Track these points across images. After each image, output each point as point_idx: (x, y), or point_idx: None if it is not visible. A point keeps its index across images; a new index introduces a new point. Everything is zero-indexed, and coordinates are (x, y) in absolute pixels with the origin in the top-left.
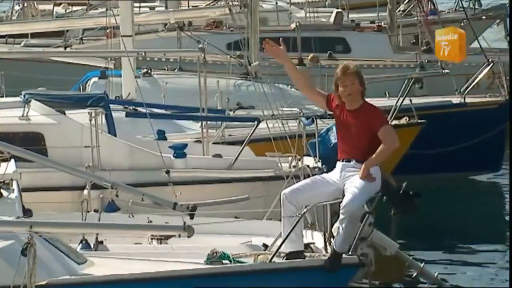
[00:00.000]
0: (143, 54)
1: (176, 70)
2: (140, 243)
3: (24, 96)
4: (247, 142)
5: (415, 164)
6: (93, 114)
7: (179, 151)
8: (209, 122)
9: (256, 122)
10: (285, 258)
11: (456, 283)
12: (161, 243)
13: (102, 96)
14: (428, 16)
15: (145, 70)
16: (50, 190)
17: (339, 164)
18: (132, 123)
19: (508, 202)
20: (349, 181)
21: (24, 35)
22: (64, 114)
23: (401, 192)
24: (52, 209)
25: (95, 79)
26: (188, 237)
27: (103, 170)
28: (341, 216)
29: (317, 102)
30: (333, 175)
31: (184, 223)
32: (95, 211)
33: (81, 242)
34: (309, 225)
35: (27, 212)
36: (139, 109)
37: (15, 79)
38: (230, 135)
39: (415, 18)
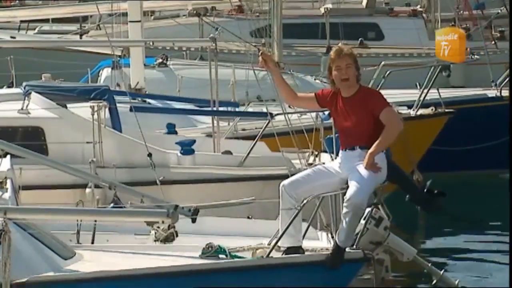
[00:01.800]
0: (151, 44)
1: (197, 60)
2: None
3: (25, 87)
4: (258, 139)
5: (445, 160)
6: (95, 108)
7: (187, 147)
8: None
9: (268, 118)
10: (283, 253)
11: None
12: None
13: (106, 88)
14: (474, 10)
15: (160, 60)
16: (52, 188)
17: (342, 154)
18: (139, 116)
19: None
20: (353, 171)
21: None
22: (66, 107)
23: (425, 190)
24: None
25: (107, 69)
26: (172, 223)
27: (105, 167)
28: (345, 210)
29: (310, 107)
30: (336, 165)
31: (168, 209)
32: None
33: None
34: (324, 227)
35: None
36: (149, 101)
37: (26, 64)
38: (243, 129)
39: None
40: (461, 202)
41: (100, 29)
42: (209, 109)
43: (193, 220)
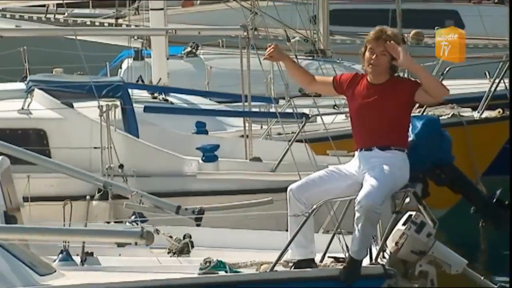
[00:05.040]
0: (173, 32)
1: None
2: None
3: (28, 83)
4: (292, 143)
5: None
6: (104, 108)
7: (209, 153)
8: None
9: (304, 119)
10: (292, 267)
11: None
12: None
13: (120, 84)
14: None
15: (189, 48)
16: (59, 199)
17: (357, 154)
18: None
19: None
20: (369, 171)
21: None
22: (72, 106)
23: (494, 201)
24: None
25: (129, 61)
26: (147, 245)
27: (117, 176)
28: (356, 214)
29: (326, 92)
30: (351, 167)
31: (142, 228)
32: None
33: (60, 252)
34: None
35: (10, 220)
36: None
37: (40, 56)
38: (279, 134)
39: None
40: None
41: (138, 13)
42: (238, 109)
43: (198, 223)
